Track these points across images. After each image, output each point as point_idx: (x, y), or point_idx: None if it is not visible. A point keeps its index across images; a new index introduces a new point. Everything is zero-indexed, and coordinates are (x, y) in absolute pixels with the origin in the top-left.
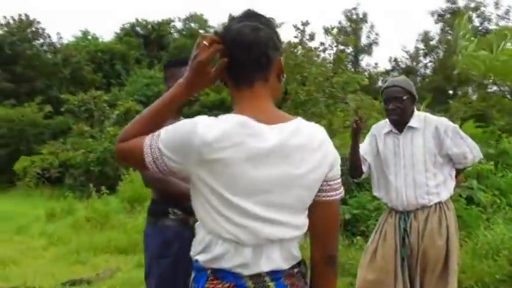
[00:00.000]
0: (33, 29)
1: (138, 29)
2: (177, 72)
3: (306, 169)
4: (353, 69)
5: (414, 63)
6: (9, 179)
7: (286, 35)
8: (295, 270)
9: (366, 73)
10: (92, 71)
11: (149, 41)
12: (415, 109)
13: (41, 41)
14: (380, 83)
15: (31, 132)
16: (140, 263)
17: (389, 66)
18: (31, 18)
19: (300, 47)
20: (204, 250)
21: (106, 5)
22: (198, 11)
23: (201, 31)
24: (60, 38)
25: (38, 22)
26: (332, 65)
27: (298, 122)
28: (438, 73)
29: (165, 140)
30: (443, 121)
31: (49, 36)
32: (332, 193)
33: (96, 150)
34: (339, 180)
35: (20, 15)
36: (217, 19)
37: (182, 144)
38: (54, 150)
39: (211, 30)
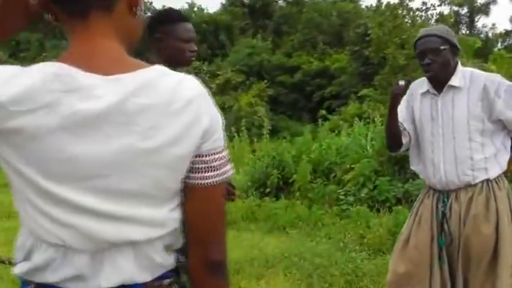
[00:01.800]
0: None
1: None
2: (173, 29)
3: (161, 140)
4: (467, 32)
5: None
6: None
7: None
8: (165, 281)
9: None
10: (199, 42)
11: (254, 10)
12: (459, 64)
13: (148, 14)
14: (499, 46)
15: None
16: None
17: (509, 27)
18: None
19: (400, 8)
20: (25, 258)
21: None
22: None
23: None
24: None
25: None
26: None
27: (154, 72)
28: None
29: None
30: (494, 78)
31: (155, 9)
32: (209, 174)
33: None
34: (223, 155)
35: None
36: None
37: None
38: None
39: None
